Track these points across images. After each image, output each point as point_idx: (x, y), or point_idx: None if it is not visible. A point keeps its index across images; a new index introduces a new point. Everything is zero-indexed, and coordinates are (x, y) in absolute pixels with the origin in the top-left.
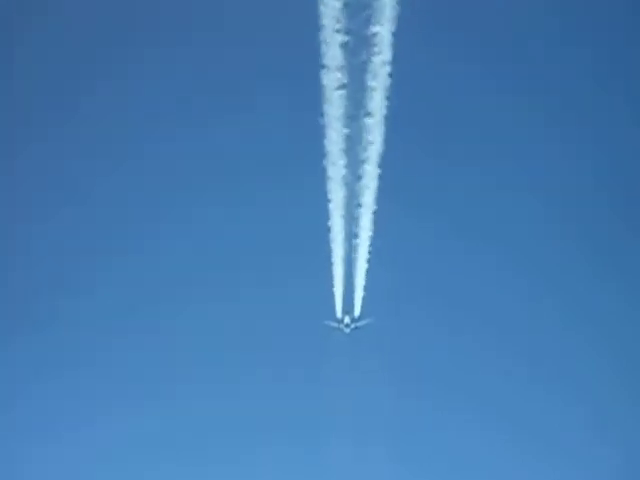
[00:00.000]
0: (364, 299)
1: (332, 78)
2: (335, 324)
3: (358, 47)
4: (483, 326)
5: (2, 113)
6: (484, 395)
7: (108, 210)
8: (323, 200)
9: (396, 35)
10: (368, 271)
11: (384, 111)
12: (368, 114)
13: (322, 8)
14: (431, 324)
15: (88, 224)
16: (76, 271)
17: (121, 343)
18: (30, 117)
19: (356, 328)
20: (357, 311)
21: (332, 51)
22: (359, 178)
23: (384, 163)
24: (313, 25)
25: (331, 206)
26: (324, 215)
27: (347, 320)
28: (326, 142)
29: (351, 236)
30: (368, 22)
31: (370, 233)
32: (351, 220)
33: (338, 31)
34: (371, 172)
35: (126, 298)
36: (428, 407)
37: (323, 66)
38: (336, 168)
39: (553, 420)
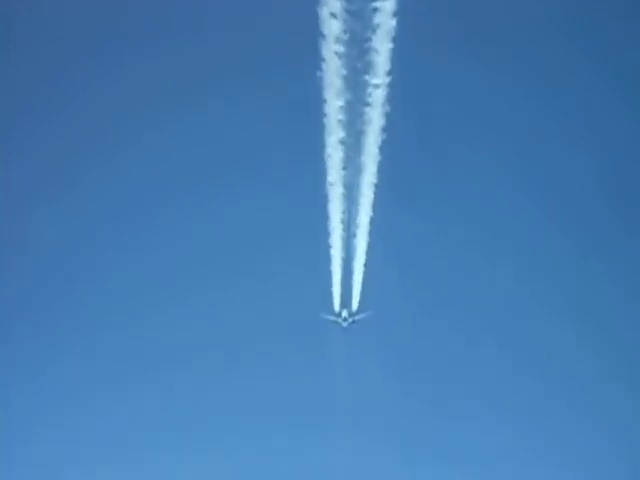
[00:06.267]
0: (362, 293)
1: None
2: (333, 318)
3: (357, 48)
4: (481, 319)
5: None
6: (483, 388)
7: (114, 204)
8: (321, 194)
9: (397, 34)
10: (366, 265)
11: (384, 106)
12: (367, 109)
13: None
14: (429, 318)
15: (87, 218)
16: (74, 263)
17: (119, 338)
18: (23, 112)
19: (354, 322)
20: (355, 305)
21: (332, 46)
22: (357, 172)
23: (382, 157)
24: (313, 20)
25: (329, 200)
26: (322, 209)
27: (345, 314)
28: (325, 137)
29: (349, 230)
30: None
31: (368, 227)
32: (349, 214)
33: (339, 40)
34: (369, 166)
35: (124, 291)
36: (426, 401)
37: (323, 60)
38: (335, 161)
39: (553, 414)
